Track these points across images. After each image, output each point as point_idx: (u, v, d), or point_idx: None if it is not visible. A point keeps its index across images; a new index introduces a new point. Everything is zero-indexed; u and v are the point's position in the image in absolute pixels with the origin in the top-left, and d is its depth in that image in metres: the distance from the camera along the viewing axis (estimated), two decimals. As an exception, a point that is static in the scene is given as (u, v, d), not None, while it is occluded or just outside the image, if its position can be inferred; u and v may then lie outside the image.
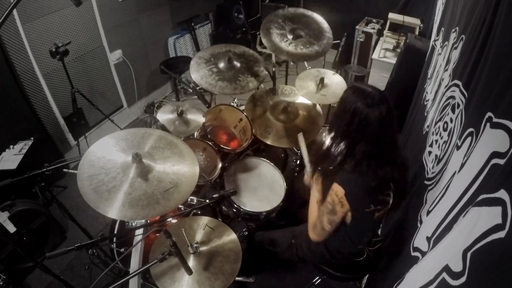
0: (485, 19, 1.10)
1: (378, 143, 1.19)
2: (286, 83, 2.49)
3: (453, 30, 1.63)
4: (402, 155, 1.30)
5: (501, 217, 0.65)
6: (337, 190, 1.22)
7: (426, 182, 1.34)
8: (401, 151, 1.31)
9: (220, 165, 1.86)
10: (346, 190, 1.20)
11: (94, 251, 1.78)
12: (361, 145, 1.19)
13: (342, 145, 1.23)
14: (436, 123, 1.49)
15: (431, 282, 0.87)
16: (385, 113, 1.15)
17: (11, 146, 2.11)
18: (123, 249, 1.75)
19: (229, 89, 1.86)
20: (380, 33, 3.63)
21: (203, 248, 1.27)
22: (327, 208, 1.26)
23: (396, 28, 3.47)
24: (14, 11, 2.11)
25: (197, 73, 1.87)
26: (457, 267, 0.76)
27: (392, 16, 3.33)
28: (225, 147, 1.92)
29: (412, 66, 2.62)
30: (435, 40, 2.30)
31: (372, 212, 1.25)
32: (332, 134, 1.29)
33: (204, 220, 1.39)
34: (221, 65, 1.94)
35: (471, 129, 0.99)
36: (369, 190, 1.21)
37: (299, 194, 1.88)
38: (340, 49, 2.87)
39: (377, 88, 1.23)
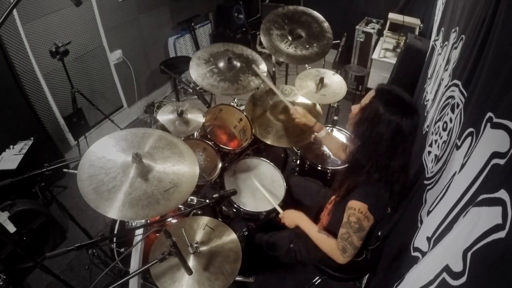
0: (485, 19, 1.10)
1: (410, 151, 1.18)
2: (286, 83, 2.49)
3: (453, 30, 1.63)
4: None
5: (501, 217, 0.65)
6: (359, 207, 1.18)
7: (426, 182, 1.34)
8: None
9: (220, 165, 1.86)
10: (368, 204, 1.17)
11: (94, 251, 1.78)
12: (398, 158, 1.15)
13: (377, 159, 1.18)
14: (435, 123, 1.49)
15: (431, 282, 0.87)
16: (419, 119, 1.13)
17: (11, 146, 2.11)
18: (123, 249, 1.75)
19: (231, 90, 1.86)
20: (380, 33, 3.63)
21: (203, 248, 1.27)
22: (353, 228, 1.21)
23: (396, 28, 3.48)
24: (14, 11, 2.11)
25: (198, 74, 1.86)
26: (457, 267, 0.76)
27: (392, 16, 3.33)
28: (225, 147, 1.92)
29: (412, 66, 2.63)
30: (435, 40, 2.30)
31: (387, 215, 1.26)
32: (364, 146, 1.21)
33: (204, 220, 1.39)
34: (221, 65, 1.93)
35: (471, 129, 0.99)
36: (386, 194, 1.20)
37: (294, 194, 1.88)
38: (340, 49, 2.87)
39: (402, 89, 1.18)
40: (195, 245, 1.24)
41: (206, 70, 1.88)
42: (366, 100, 1.21)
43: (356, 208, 1.19)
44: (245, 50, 2.07)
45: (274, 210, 1.77)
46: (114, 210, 1.01)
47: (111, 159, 1.13)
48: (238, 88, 1.87)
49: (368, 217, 1.18)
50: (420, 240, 1.15)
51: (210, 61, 1.94)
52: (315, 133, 1.74)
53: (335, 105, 2.44)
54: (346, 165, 1.37)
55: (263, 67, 1.98)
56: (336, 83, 2.14)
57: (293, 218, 1.50)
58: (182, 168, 1.18)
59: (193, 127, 1.90)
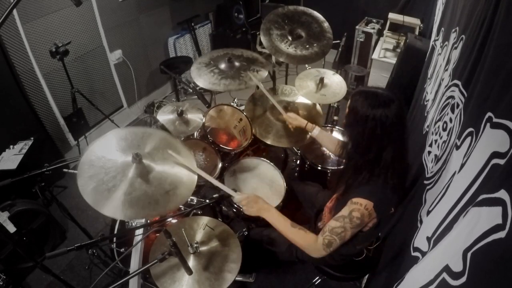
0: (485, 19, 1.10)
1: (401, 142, 1.19)
2: (286, 83, 2.49)
3: (453, 30, 1.63)
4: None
5: (501, 217, 0.65)
6: (365, 203, 1.18)
7: (425, 182, 1.34)
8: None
9: (220, 165, 1.86)
10: (374, 202, 1.18)
11: (94, 251, 1.78)
12: (388, 150, 1.17)
13: (369, 155, 1.20)
14: (435, 123, 1.49)
15: (431, 282, 0.87)
16: (400, 108, 1.15)
17: (11, 146, 2.11)
18: (123, 249, 1.75)
19: (233, 85, 1.85)
20: (380, 33, 3.63)
21: (203, 248, 1.27)
22: (353, 223, 1.20)
23: (396, 28, 3.48)
24: (14, 11, 2.11)
25: (200, 78, 1.87)
26: (457, 267, 0.76)
27: (392, 16, 3.33)
28: (225, 147, 1.92)
29: (412, 66, 2.63)
30: (435, 40, 2.30)
31: (391, 214, 1.26)
32: (352, 146, 1.25)
33: (204, 220, 1.39)
34: (222, 66, 1.94)
35: (470, 129, 0.99)
36: (390, 193, 1.21)
37: (295, 195, 1.88)
38: (340, 49, 2.87)
39: (382, 87, 1.23)
40: (195, 245, 1.24)
41: (207, 72, 1.89)
42: (347, 108, 1.27)
43: (362, 204, 1.18)
44: (245, 52, 2.07)
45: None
46: (113, 210, 1.01)
47: (111, 159, 1.13)
48: (241, 83, 1.87)
49: (371, 214, 1.19)
50: (420, 240, 1.15)
51: (210, 64, 1.94)
52: (309, 133, 1.78)
53: (335, 105, 2.44)
54: (343, 166, 1.39)
55: (262, 73, 1.97)
56: (336, 83, 2.14)
57: (258, 208, 1.34)
58: (182, 170, 1.18)
59: (193, 127, 1.90)
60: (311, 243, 1.26)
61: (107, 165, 1.11)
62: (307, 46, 2.11)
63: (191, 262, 1.21)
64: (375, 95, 1.17)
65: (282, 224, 1.33)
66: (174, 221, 1.63)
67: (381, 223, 1.29)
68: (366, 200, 1.18)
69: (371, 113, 1.14)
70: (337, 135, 2.26)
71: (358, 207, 1.19)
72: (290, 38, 2.11)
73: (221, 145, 1.90)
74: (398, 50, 3.29)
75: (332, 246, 1.23)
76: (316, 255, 1.26)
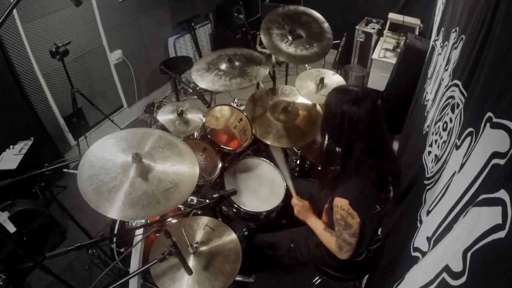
0: (485, 19, 1.10)
1: (372, 138, 1.21)
2: (286, 83, 2.49)
3: (453, 30, 1.63)
4: (391, 146, 1.33)
5: (501, 217, 0.65)
6: (341, 204, 1.21)
7: (426, 182, 1.34)
8: (390, 143, 1.34)
9: (220, 165, 1.86)
10: (349, 199, 1.20)
11: (94, 251, 1.78)
12: (357, 144, 1.21)
13: (339, 148, 1.24)
14: (436, 123, 1.49)
15: (431, 282, 0.87)
16: (371, 106, 1.18)
17: (11, 146, 2.11)
18: (123, 249, 1.75)
19: (246, 83, 1.88)
20: (380, 33, 3.63)
21: (203, 248, 1.27)
22: (340, 226, 1.25)
23: (396, 28, 3.48)
24: (14, 11, 2.11)
25: (207, 83, 1.87)
26: (457, 267, 0.76)
27: (392, 16, 3.33)
28: (225, 147, 1.92)
29: (412, 66, 2.63)
30: (435, 40, 2.30)
31: (378, 213, 1.26)
32: (326, 140, 1.30)
33: (204, 220, 1.39)
34: (223, 66, 1.94)
35: (470, 129, 0.99)
36: (371, 190, 1.21)
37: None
38: (340, 49, 2.87)
39: (359, 85, 1.25)
40: (195, 245, 1.24)
41: (211, 77, 1.88)
42: (323, 105, 1.34)
43: (339, 206, 1.23)
44: (240, 50, 2.08)
45: (274, 210, 1.77)
46: (114, 210, 1.01)
47: (111, 159, 1.13)
48: (251, 79, 1.89)
49: (351, 213, 1.20)
50: (420, 240, 1.15)
51: (211, 69, 1.94)
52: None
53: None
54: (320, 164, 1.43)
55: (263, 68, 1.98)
56: (336, 83, 2.13)
57: (304, 213, 1.53)
58: (182, 168, 1.18)
59: (193, 127, 1.90)
60: (333, 246, 1.35)
61: (107, 165, 1.11)
62: (307, 46, 2.10)
63: (191, 262, 1.21)
64: (345, 91, 1.22)
65: (318, 227, 1.47)
66: (174, 221, 1.63)
67: (365, 222, 1.26)
68: (341, 199, 1.22)
69: (340, 108, 1.19)
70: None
71: (337, 209, 1.24)
72: (290, 38, 2.11)
73: (221, 145, 1.90)
74: (398, 50, 3.28)
75: (343, 249, 1.29)
76: (340, 257, 1.34)
